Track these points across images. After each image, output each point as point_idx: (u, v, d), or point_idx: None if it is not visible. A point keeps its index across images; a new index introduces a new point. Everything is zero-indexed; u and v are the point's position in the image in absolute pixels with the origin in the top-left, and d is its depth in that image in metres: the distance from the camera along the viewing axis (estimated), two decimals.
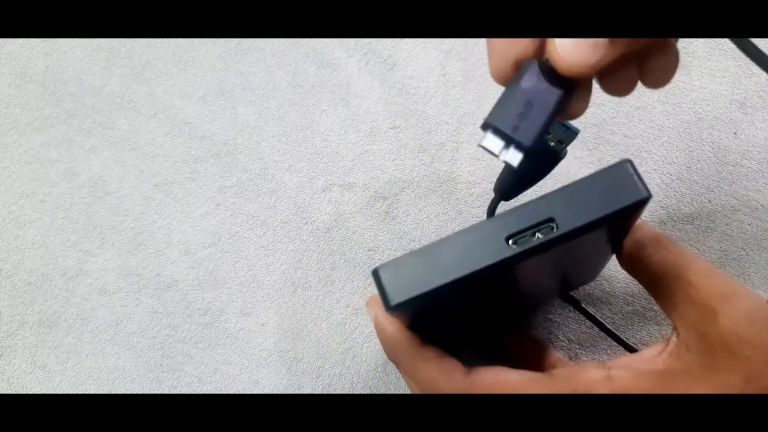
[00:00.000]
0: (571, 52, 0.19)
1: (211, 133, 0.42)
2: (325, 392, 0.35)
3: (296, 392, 0.35)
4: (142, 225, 0.40)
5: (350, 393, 0.35)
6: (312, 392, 0.35)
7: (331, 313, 0.36)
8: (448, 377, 0.24)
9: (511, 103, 0.21)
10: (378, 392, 0.35)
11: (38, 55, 0.44)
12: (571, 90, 0.21)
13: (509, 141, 0.21)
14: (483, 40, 0.41)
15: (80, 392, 0.35)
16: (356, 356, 0.35)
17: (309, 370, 0.35)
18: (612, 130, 0.40)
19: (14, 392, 0.36)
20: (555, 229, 0.21)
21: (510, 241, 0.21)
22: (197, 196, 0.40)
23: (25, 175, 0.41)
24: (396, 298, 0.21)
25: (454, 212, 0.39)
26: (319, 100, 0.42)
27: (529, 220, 0.21)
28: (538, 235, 0.21)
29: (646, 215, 0.38)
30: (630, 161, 0.22)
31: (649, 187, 0.40)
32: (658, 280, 0.25)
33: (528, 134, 0.21)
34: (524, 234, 0.21)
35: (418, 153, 0.40)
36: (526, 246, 0.21)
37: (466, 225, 0.39)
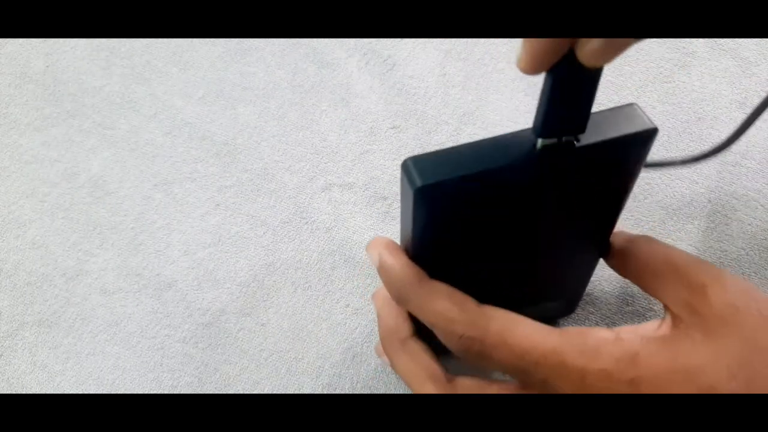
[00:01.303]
0: (598, 60, 0.20)
1: (211, 133, 0.42)
2: (325, 392, 0.35)
3: (296, 392, 0.35)
4: (141, 225, 0.40)
5: (350, 393, 0.35)
6: (312, 392, 0.35)
7: (332, 313, 0.36)
8: (461, 307, 0.24)
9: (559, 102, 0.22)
10: (378, 392, 0.35)
11: (38, 55, 0.44)
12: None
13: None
14: (483, 41, 0.41)
15: (80, 392, 0.35)
16: (356, 356, 0.35)
17: (309, 370, 0.35)
18: None
19: (14, 392, 0.36)
20: (577, 144, 0.22)
21: (536, 148, 0.22)
22: (197, 196, 0.40)
23: (25, 175, 0.41)
24: (423, 180, 0.21)
25: None
26: (319, 100, 0.42)
27: (555, 134, 0.22)
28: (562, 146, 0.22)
29: (647, 215, 0.38)
30: (635, 104, 0.24)
31: (650, 186, 0.40)
32: (647, 268, 0.25)
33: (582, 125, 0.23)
34: (549, 145, 0.22)
35: (418, 153, 0.40)
36: (552, 153, 0.22)
37: None
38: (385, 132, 0.41)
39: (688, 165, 0.36)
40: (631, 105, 0.24)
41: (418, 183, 0.21)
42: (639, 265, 0.26)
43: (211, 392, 0.35)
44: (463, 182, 0.21)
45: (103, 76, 0.44)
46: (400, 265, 0.24)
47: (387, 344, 0.27)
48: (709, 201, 0.38)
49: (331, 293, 0.37)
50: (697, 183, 0.38)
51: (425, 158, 0.22)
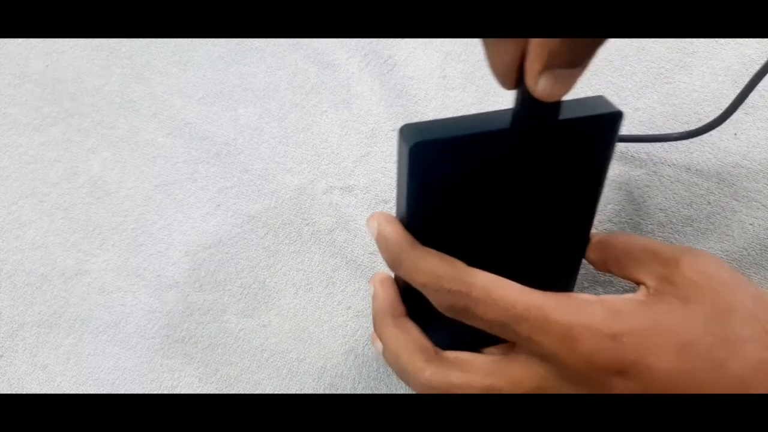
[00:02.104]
0: (552, 93, 0.22)
1: (212, 133, 0.42)
2: (327, 393, 0.35)
3: (298, 393, 0.35)
4: (142, 226, 0.39)
5: (351, 393, 0.35)
6: (313, 393, 0.35)
7: (333, 315, 0.36)
8: (449, 265, 0.25)
9: None
10: (379, 393, 0.35)
11: (38, 55, 0.44)
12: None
13: None
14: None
15: (80, 393, 0.35)
16: (358, 357, 0.35)
17: (310, 371, 0.35)
18: None
19: (14, 392, 0.36)
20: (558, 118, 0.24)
21: (518, 121, 0.24)
22: (198, 196, 0.40)
23: (25, 176, 0.41)
24: (418, 138, 0.23)
25: None
26: (319, 101, 0.42)
27: (536, 110, 0.24)
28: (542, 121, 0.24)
29: (646, 218, 0.38)
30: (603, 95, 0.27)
31: (650, 188, 0.40)
32: (626, 255, 0.27)
33: None
34: (531, 119, 0.24)
35: None
36: (531, 123, 0.24)
37: None
38: (386, 134, 0.41)
39: (687, 139, 0.37)
40: (599, 96, 0.26)
41: (413, 141, 0.23)
42: (618, 253, 0.28)
43: (211, 393, 0.35)
44: (452, 143, 0.24)
45: (103, 75, 0.44)
46: (395, 231, 0.26)
47: (379, 322, 0.28)
48: (709, 203, 0.38)
49: (332, 295, 0.37)
50: (696, 185, 0.38)
51: (420, 124, 0.24)
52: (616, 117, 0.26)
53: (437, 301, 0.25)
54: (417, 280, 0.26)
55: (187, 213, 0.40)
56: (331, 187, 0.40)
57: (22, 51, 0.45)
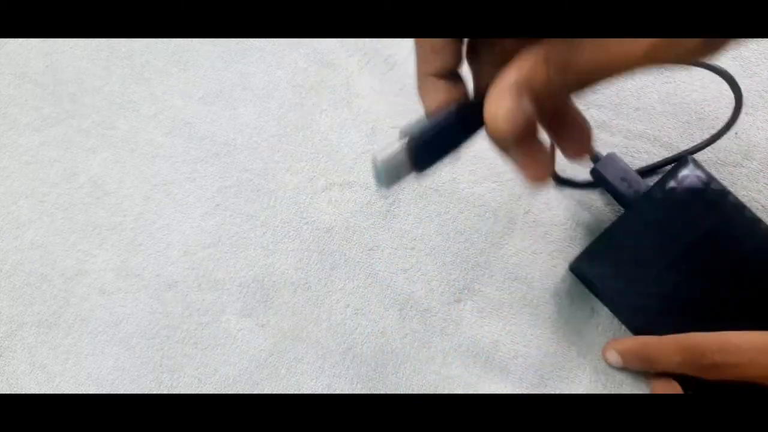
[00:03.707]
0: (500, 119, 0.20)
1: (211, 133, 0.42)
2: (325, 393, 0.35)
3: (295, 393, 0.35)
4: (141, 225, 0.39)
5: (350, 393, 0.34)
6: (311, 393, 0.35)
7: (331, 314, 0.36)
8: (698, 336, 0.30)
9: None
10: (378, 392, 0.34)
11: (38, 55, 0.44)
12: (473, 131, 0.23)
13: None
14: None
15: (80, 393, 0.35)
16: (356, 356, 0.35)
17: (309, 371, 0.35)
18: (612, 131, 0.40)
19: (13, 392, 0.36)
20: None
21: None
22: (197, 196, 0.40)
23: (25, 176, 0.41)
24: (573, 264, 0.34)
25: (456, 210, 0.39)
26: (319, 100, 0.42)
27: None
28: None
29: None
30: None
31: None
32: None
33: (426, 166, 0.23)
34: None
35: None
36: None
37: (468, 224, 0.38)
38: (386, 131, 0.41)
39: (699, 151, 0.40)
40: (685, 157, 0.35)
41: (569, 264, 0.34)
42: None
43: (210, 393, 0.35)
44: (599, 246, 0.33)
45: (103, 75, 0.44)
46: (631, 342, 0.33)
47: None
48: None
49: (330, 293, 0.37)
50: None
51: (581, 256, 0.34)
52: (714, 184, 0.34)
53: (701, 369, 0.30)
54: (677, 360, 0.30)
55: (186, 212, 0.40)
56: (331, 184, 0.40)
57: (22, 51, 0.45)
